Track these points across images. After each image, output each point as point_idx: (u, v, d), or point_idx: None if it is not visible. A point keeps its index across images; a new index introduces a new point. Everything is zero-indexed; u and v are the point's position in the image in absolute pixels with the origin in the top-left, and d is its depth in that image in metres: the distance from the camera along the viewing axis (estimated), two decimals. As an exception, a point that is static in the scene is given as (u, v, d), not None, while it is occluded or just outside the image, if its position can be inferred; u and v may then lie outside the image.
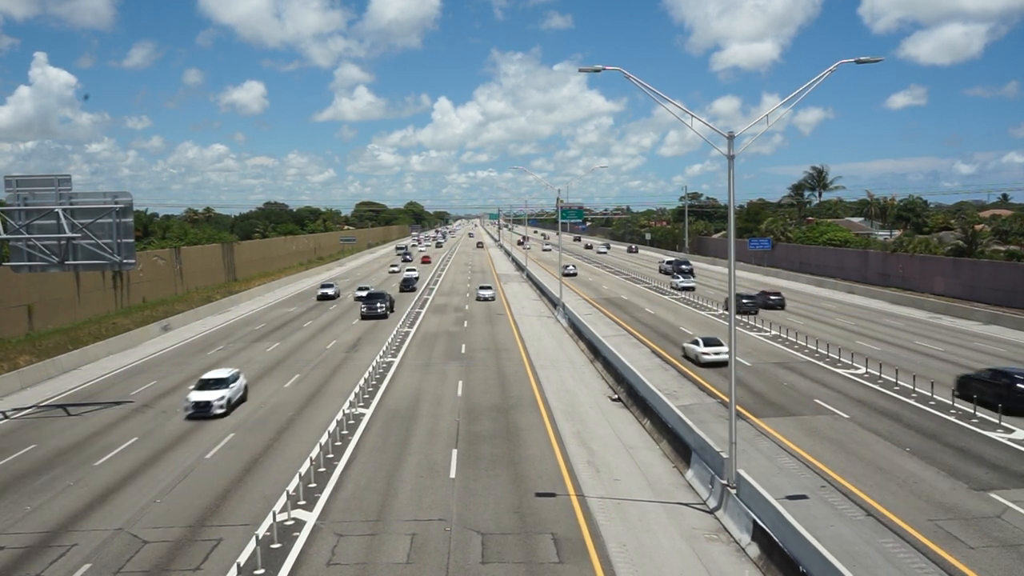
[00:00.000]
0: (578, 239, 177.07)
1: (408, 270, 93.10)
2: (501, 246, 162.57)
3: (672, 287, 75.14)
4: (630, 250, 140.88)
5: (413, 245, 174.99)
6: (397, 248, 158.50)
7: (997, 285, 57.45)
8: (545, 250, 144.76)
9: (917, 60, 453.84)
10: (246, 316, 62.35)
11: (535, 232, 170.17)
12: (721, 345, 37.92)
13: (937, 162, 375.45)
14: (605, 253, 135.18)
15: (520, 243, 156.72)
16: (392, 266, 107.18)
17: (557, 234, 78.04)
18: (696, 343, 38.97)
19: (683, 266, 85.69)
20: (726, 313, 53.47)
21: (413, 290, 76.47)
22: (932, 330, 48.10)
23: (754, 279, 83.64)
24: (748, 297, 57.66)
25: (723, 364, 36.61)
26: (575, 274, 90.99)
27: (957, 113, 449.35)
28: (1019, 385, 28.01)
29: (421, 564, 16.89)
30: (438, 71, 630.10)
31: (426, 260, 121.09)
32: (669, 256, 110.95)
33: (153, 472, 23.65)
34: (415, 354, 42.73)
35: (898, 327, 49.63)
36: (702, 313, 57.40)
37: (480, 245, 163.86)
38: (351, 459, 24.23)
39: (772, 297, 59.57)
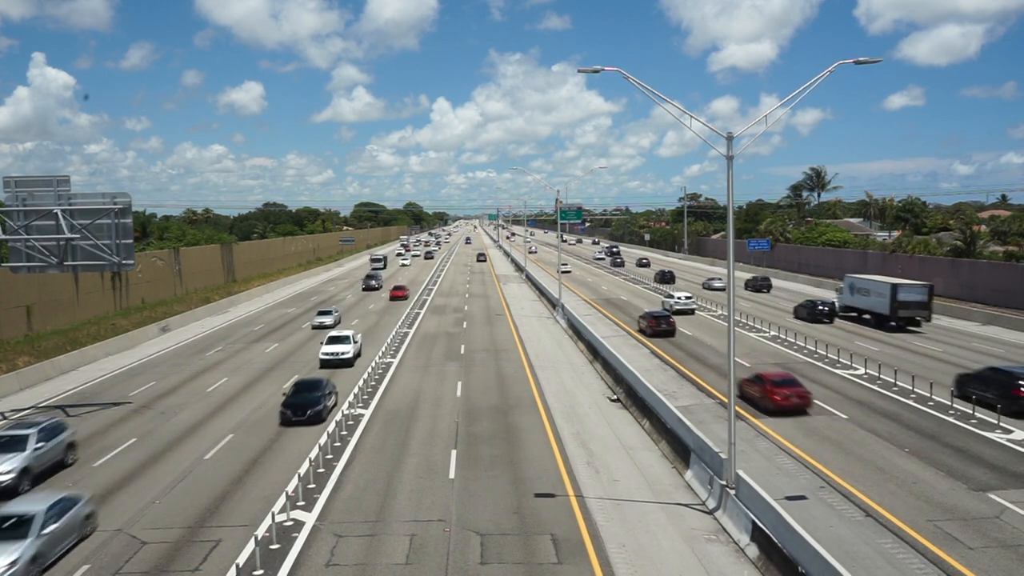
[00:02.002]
0: (560, 236, 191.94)
1: (332, 339, 40.74)
2: (500, 247, 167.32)
3: (594, 257, 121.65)
4: (594, 242, 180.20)
5: (399, 254, 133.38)
6: (372, 260, 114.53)
7: (996, 286, 57.54)
8: (527, 243, 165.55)
9: (914, 61, 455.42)
10: (245, 317, 62.31)
11: (526, 231, 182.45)
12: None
13: (936, 163, 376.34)
14: (575, 245, 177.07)
15: (508, 238, 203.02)
16: (322, 314, 54.48)
17: (550, 233, 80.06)
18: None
19: (613, 249, 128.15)
20: (723, 314, 53.98)
21: (321, 420, 28.34)
22: (930, 330, 48.10)
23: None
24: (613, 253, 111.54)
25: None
26: (535, 252, 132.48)
27: (955, 114, 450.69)
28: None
29: (420, 565, 16.89)
30: (436, 72, 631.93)
31: (399, 294, 70.94)
32: (606, 243, 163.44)
33: (152, 473, 23.64)
34: (414, 355, 42.71)
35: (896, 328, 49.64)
36: (700, 314, 57.43)
37: (482, 258, 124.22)
38: (350, 460, 24.22)
39: (658, 269, 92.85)
